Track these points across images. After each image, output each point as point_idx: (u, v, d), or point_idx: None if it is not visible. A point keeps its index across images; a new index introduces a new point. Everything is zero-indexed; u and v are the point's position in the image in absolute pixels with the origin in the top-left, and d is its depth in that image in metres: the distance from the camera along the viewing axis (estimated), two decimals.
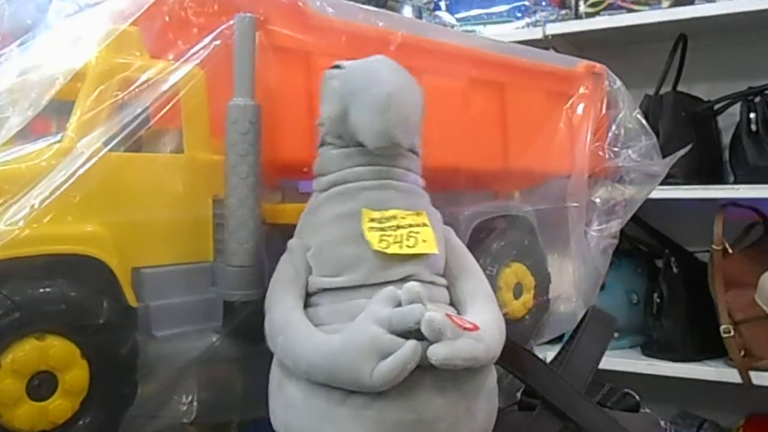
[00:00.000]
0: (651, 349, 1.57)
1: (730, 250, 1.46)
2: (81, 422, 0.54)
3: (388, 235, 0.56)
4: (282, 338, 0.54)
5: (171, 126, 0.61)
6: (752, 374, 1.43)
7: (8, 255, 0.51)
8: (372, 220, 0.56)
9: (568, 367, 0.60)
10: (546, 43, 1.62)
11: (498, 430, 0.56)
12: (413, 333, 0.50)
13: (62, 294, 0.53)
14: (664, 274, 1.56)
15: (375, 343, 0.49)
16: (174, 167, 0.61)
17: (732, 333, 1.42)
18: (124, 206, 0.58)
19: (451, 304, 0.59)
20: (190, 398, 0.61)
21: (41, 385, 0.52)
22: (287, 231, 0.63)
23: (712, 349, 1.50)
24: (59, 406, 0.53)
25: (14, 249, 0.51)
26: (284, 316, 0.55)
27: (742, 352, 1.43)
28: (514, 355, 0.55)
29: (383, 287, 0.54)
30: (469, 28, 1.78)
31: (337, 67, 0.60)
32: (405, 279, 0.55)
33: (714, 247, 1.46)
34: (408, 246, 0.56)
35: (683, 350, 1.53)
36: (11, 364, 0.51)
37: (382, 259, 0.55)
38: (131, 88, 0.58)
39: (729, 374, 1.46)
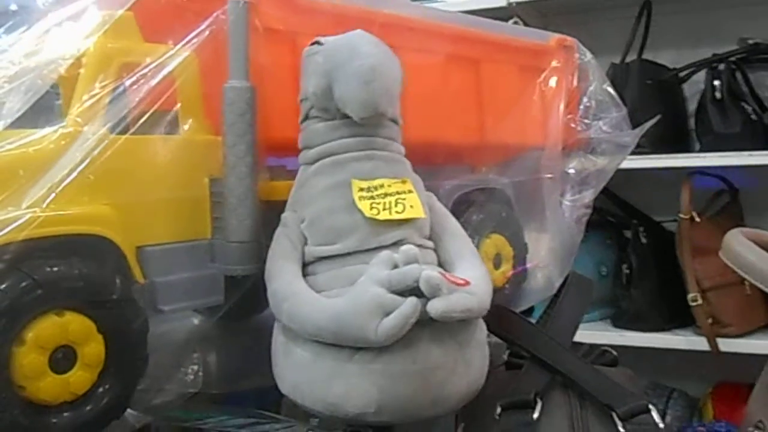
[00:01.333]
0: (621, 321, 1.68)
1: (698, 219, 1.58)
2: (99, 392, 0.62)
3: (378, 203, 0.65)
4: (287, 305, 0.62)
5: (168, 108, 0.68)
6: (720, 341, 1.56)
7: (27, 236, 0.58)
8: (361, 189, 0.65)
9: (552, 327, 0.71)
10: (509, 11, 1.71)
11: (488, 386, 0.65)
12: (411, 291, 0.59)
13: (79, 272, 0.60)
14: (633, 244, 1.68)
15: (378, 302, 0.58)
16: (172, 148, 0.68)
17: (700, 301, 1.55)
18: (127, 187, 0.65)
19: (439, 264, 0.68)
20: (196, 368, 0.69)
21: (62, 358, 0.59)
22: (279, 207, 0.72)
23: (680, 318, 1.62)
24: (79, 377, 0.60)
25: (32, 230, 0.58)
26: (287, 285, 0.64)
27: (710, 320, 1.56)
28: (502, 318, 0.65)
29: (377, 252, 0.63)
30: None
31: (317, 43, 0.68)
32: (396, 243, 0.64)
33: (681, 215, 1.57)
34: (397, 212, 0.65)
35: (652, 320, 1.65)
36: (35, 340, 0.58)
37: (373, 226, 0.64)
38: (130, 72, 0.65)
39: (697, 342, 1.59)
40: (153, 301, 0.66)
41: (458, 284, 0.60)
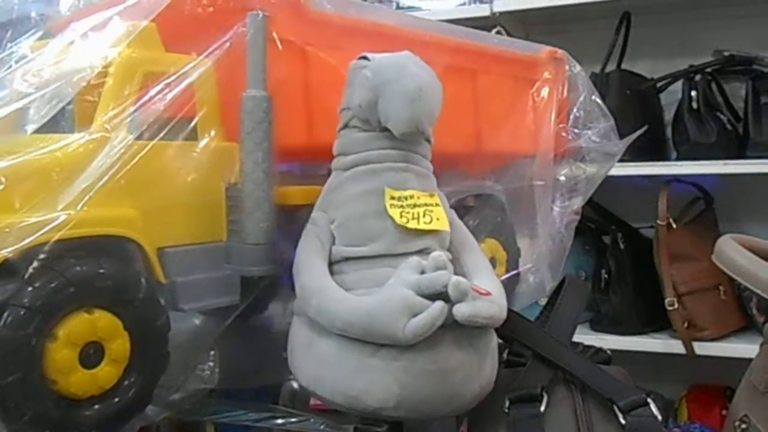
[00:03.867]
0: (600, 324, 1.74)
1: (674, 225, 1.64)
2: (125, 386, 0.65)
3: (407, 212, 0.69)
4: (316, 300, 0.67)
5: (188, 116, 0.72)
6: (695, 345, 1.62)
7: (60, 237, 0.61)
8: (393, 198, 0.70)
9: (552, 326, 0.76)
10: (493, 20, 1.77)
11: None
12: (436, 296, 0.63)
13: (107, 271, 0.64)
14: (611, 250, 1.74)
15: (407, 302, 0.62)
16: (192, 155, 0.72)
17: (676, 305, 1.61)
18: (150, 191, 0.69)
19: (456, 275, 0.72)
20: (212, 365, 0.73)
21: (92, 354, 0.63)
22: (290, 211, 0.76)
23: (657, 321, 1.69)
24: (107, 372, 0.64)
25: (65, 231, 0.62)
26: (316, 280, 0.68)
27: (686, 324, 1.62)
28: (507, 318, 0.69)
29: (402, 258, 0.67)
30: (413, 2, 1.91)
31: (365, 58, 0.73)
32: (421, 251, 0.69)
33: (659, 222, 1.63)
34: (425, 222, 0.69)
35: (630, 324, 1.71)
36: (67, 336, 0.61)
37: (402, 233, 0.69)
38: (153, 81, 0.69)
39: (673, 345, 1.65)
40: (174, 300, 0.70)
41: (481, 293, 0.65)
